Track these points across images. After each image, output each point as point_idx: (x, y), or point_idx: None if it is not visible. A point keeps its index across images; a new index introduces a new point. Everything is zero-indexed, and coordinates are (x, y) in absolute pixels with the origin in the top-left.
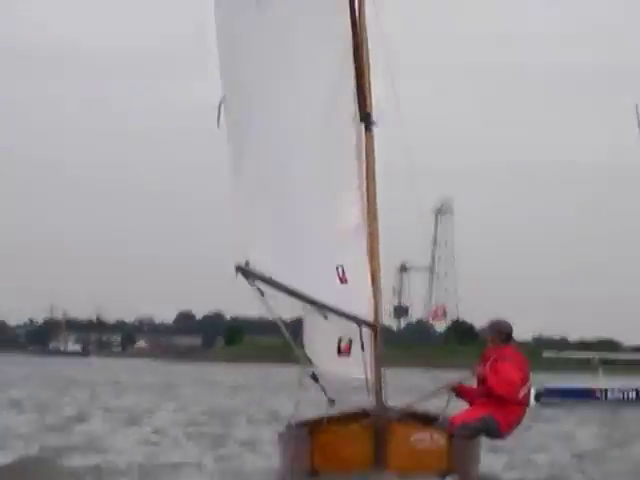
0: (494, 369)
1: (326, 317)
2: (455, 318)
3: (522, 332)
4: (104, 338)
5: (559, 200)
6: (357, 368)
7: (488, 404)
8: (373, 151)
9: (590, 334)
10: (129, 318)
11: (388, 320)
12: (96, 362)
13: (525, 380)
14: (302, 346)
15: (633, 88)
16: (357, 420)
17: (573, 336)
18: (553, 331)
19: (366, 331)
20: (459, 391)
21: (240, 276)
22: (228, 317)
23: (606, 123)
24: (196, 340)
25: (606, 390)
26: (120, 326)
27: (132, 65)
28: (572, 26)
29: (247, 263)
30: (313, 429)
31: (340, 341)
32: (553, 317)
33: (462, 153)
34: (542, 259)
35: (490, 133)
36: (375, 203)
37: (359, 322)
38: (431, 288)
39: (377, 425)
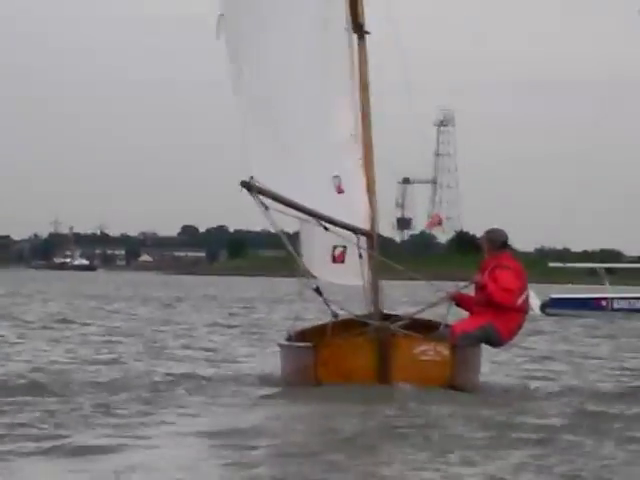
0: (492, 277)
1: (327, 229)
2: (458, 229)
3: (525, 243)
4: (108, 252)
5: (560, 106)
6: (351, 276)
7: (487, 312)
8: (366, 61)
9: (592, 245)
10: (133, 232)
11: (391, 232)
12: (104, 276)
13: (523, 287)
14: (301, 257)
15: None
16: (357, 329)
17: (575, 247)
18: (556, 242)
19: (363, 240)
20: (459, 300)
21: (245, 191)
22: (232, 230)
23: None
24: (200, 253)
25: (612, 299)
26: (124, 240)
27: None
28: None
29: (251, 178)
30: (316, 342)
31: (334, 249)
32: (555, 228)
33: (461, 70)
34: (544, 168)
35: (489, 48)
36: (369, 113)
37: (356, 231)
38: (434, 200)
39: (380, 337)
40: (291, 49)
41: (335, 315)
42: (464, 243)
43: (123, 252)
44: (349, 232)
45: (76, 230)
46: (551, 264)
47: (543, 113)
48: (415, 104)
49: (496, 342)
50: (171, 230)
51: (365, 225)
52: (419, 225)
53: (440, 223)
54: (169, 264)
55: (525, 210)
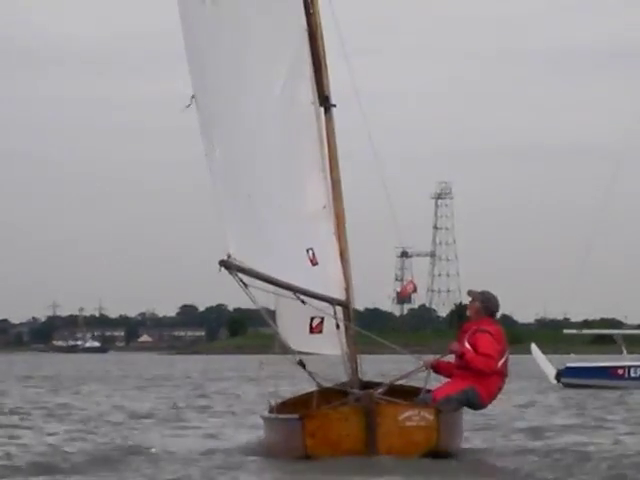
0: (472, 341)
1: (304, 302)
2: (458, 302)
3: (525, 314)
4: (107, 333)
5: (560, 179)
6: (329, 345)
7: (468, 376)
8: (334, 133)
9: (591, 314)
10: (132, 313)
11: (390, 306)
12: (114, 357)
13: (503, 351)
14: (277, 331)
15: None
16: (337, 398)
17: (575, 317)
18: (555, 313)
19: (340, 310)
20: (438, 367)
21: (223, 269)
22: (231, 309)
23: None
24: (199, 333)
25: (630, 367)
26: (123, 321)
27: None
28: None
29: (229, 255)
30: (303, 413)
31: (312, 320)
32: (555, 299)
33: (458, 138)
34: (543, 240)
35: (478, 118)
36: (339, 184)
37: (332, 302)
38: (433, 273)
39: (366, 406)
40: (260, 126)
41: (320, 386)
42: (464, 316)
43: (122, 333)
44: (325, 304)
45: (74, 313)
46: (566, 331)
47: (541, 181)
48: (413, 176)
49: (477, 405)
50: (170, 310)
51: (340, 295)
52: (419, 299)
53: (414, 290)
54: (169, 344)
55: (525, 282)
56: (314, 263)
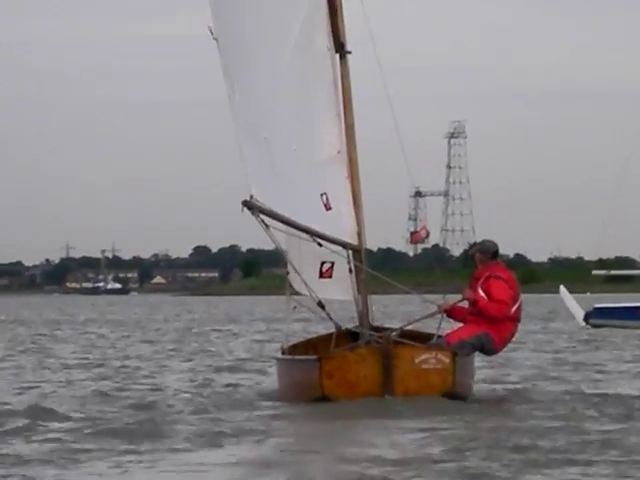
0: (485, 288)
1: (320, 245)
2: (472, 241)
3: (538, 253)
4: (120, 275)
5: (571, 116)
6: (339, 290)
7: (481, 321)
8: (349, 79)
9: (605, 253)
10: (145, 254)
11: (404, 246)
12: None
13: (516, 297)
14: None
15: None
16: (349, 341)
17: (589, 256)
18: (569, 252)
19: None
20: (451, 312)
21: (246, 210)
22: (244, 250)
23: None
24: (213, 274)
25: None
26: (136, 262)
27: None
28: None
29: (251, 197)
30: (321, 355)
31: (322, 265)
32: (569, 236)
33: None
34: (555, 175)
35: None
36: (353, 129)
37: (345, 246)
38: (447, 212)
39: (383, 348)
40: (277, 69)
41: (339, 327)
42: (470, 260)
43: (136, 275)
44: (339, 247)
45: (87, 254)
46: (594, 272)
47: (551, 122)
48: (427, 116)
49: (490, 351)
50: (183, 251)
51: (353, 240)
52: (432, 239)
53: (427, 235)
54: (182, 285)
55: (538, 221)
56: (328, 208)
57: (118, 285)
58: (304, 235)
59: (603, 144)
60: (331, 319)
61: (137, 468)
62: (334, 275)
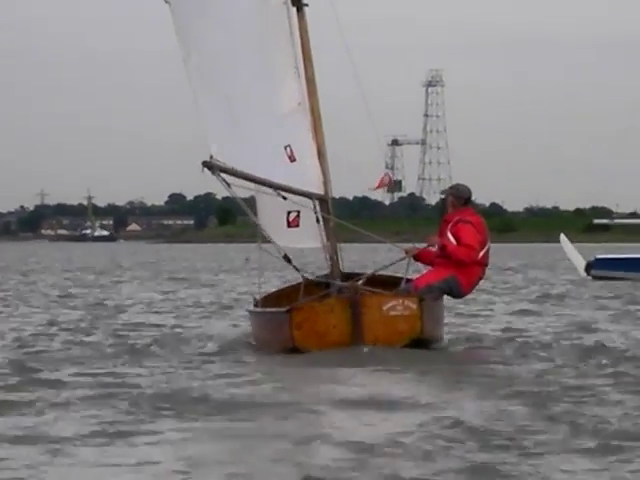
0: (455, 231)
1: (285, 198)
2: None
3: (515, 202)
4: (86, 223)
5: (547, 64)
6: (307, 238)
7: (449, 265)
8: (307, 31)
9: (583, 203)
10: (120, 202)
11: (381, 195)
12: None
13: (484, 242)
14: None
15: None
16: (320, 290)
17: (566, 205)
18: (546, 201)
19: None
20: (418, 256)
21: (206, 170)
22: (219, 198)
23: None
24: (188, 221)
25: None
26: (111, 209)
27: None
28: None
29: (211, 156)
30: (290, 306)
31: (288, 214)
32: (545, 186)
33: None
34: (532, 125)
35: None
36: (314, 81)
37: (312, 196)
38: (424, 161)
39: (351, 297)
40: (232, 27)
41: (305, 278)
42: (444, 207)
43: (111, 222)
44: (305, 198)
45: (62, 201)
46: (596, 221)
47: (529, 72)
48: (404, 66)
49: (457, 294)
50: (158, 199)
51: (319, 190)
52: (409, 187)
53: (390, 183)
54: (157, 233)
55: (514, 171)
56: (292, 159)
57: (105, 232)
58: (268, 189)
59: (580, 95)
60: (298, 270)
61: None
62: (302, 224)
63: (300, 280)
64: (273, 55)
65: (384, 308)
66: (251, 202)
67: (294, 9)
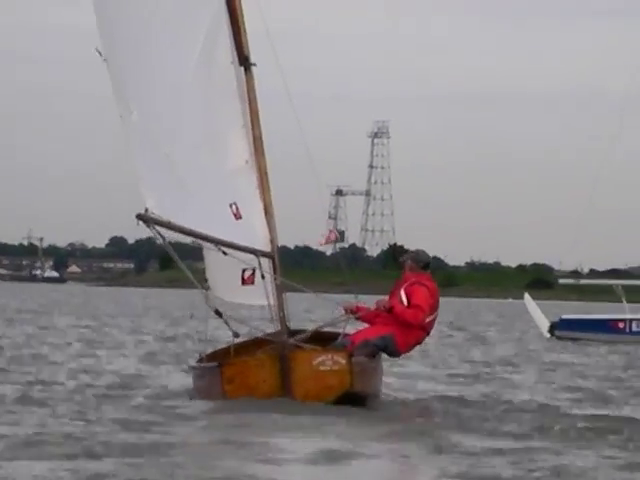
0: (410, 291)
1: (225, 253)
2: (392, 242)
3: (457, 257)
4: (36, 263)
5: (495, 119)
6: (261, 296)
7: (389, 323)
8: (254, 90)
9: (524, 259)
10: (61, 243)
11: (323, 245)
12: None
13: (434, 308)
14: (206, 281)
15: None
16: (262, 347)
17: (507, 261)
18: (488, 257)
19: (266, 261)
20: (359, 314)
21: (141, 223)
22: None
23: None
24: (129, 265)
25: (631, 321)
26: (52, 250)
27: None
28: None
29: (146, 210)
30: (222, 362)
31: (244, 272)
32: (487, 242)
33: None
34: (477, 181)
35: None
36: (261, 140)
37: (256, 253)
38: (367, 212)
39: (281, 352)
40: (179, 88)
41: (236, 335)
42: (397, 258)
43: (51, 263)
44: (250, 256)
45: (2, 240)
46: (562, 280)
47: (471, 125)
48: (350, 116)
49: (393, 352)
50: (99, 241)
51: (265, 247)
52: (352, 238)
53: (336, 240)
54: (98, 275)
55: (458, 225)
56: (238, 217)
57: (55, 273)
58: (210, 245)
59: (520, 147)
60: (229, 326)
61: None
62: (256, 281)
63: (251, 337)
64: (219, 115)
65: (314, 363)
66: (192, 248)
67: (241, 68)
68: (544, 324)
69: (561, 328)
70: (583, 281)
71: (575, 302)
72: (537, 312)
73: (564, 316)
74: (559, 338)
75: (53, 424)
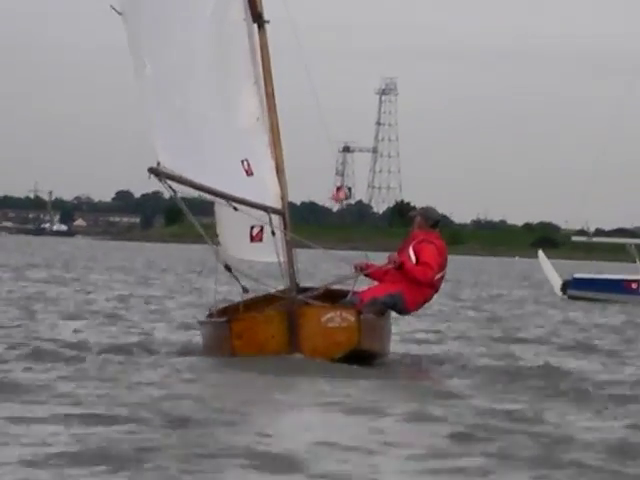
0: (418, 248)
1: (236, 209)
2: (399, 199)
3: (463, 215)
4: (42, 216)
5: (502, 77)
6: (270, 253)
7: (398, 281)
8: (267, 48)
9: (530, 218)
10: (67, 197)
11: (328, 201)
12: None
13: (443, 266)
14: (217, 236)
15: None
16: (272, 304)
17: (514, 220)
18: (494, 215)
19: (276, 218)
20: (367, 272)
21: (153, 177)
22: (168, 197)
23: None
24: (135, 219)
25: None
26: (58, 204)
27: None
28: None
29: (158, 163)
30: (230, 317)
31: (252, 229)
32: (493, 199)
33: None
34: (483, 139)
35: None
36: (273, 97)
37: (267, 210)
38: (374, 169)
39: (289, 309)
40: (191, 42)
41: (246, 290)
42: (405, 214)
43: (57, 217)
44: (261, 212)
45: (9, 194)
46: (574, 237)
47: (483, 82)
48: (357, 71)
49: (401, 310)
50: (106, 195)
51: (276, 204)
52: (359, 194)
53: (345, 197)
54: (103, 229)
55: (464, 182)
56: (249, 173)
57: (64, 227)
58: (221, 201)
59: (532, 106)
60: (239, 282)
61: None
62: (264, 238)
63: (259, 291)
64: (232, 71)
65: (322, 320)
66: (200, 202)
67: (254, 25)
68: (557, 282)
69: (574, 287)
70: (596, 239)
71: (581, 261)
72: (551, 270)
73: (577, 275)
74: (571, 297)
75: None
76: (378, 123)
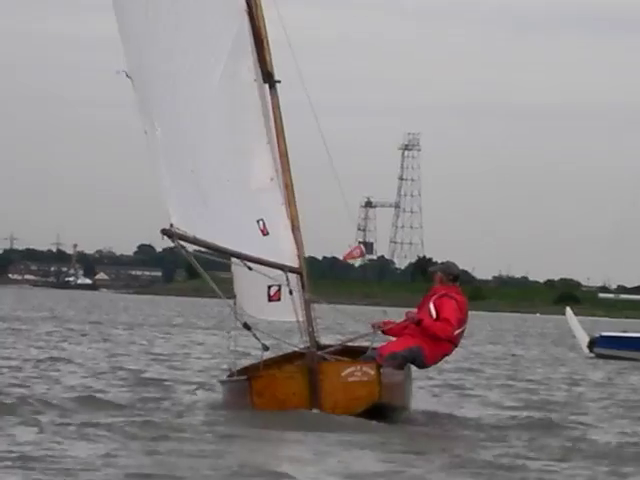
0: (439, 303)
1: (250, 268)
2: (421, 255)
3: (484, 271)
4: (64, 269)
5: (524, 132)
6: (288, 312)
7: (417, 335)
8: (279, 107)
9: (552, 275)
10: (89, 250)
11: (347, 260)
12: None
13: (463, 321)
14: (234, 297)
15: None
16: (292, 362)
17: (535, 276)
18: (516, 271)
19: (293, 277)
20: (387, 331)
21: (166, 238)
22: (190, 250)
23: None
24: (156, 273)
25: None
26: (80, 257)
27: None
28: None
29: (171, 225)
30: (251, 375)
31: (269, 289)
32: (515, 256)
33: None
34: (507, 200)
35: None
36: (287, 157)
37: (284, 269)
38: (396, 224)
39: (309, 365)
40: (202, 105)
41: (266, 347)
42: (426, 269)
43: (81, 270)
44: (278, 271)
45: (31, 246)
46: (601, 295)
47: (503, 136)
48: (383, 128)
49: (421, 364)
50: (127, 249)
51: (293, 263)
52: (381, 250)
53: (361, 255)
54: (125, 283)
55: (486, 239)
56: (265, 233)
57: (88, 280)
58: (237, 261)
59: (551, 160)
60: (258, 340)
61: None
62: (282, 298)
63: (288, 351)
64: (244, 132)
65: (342, 374)
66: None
67: (266, 85)
68: (584, 340)
69: (600, 345)
70: (623, 296)
71: (602, 318)
72: (577, 327)
73: (604, 333)
74: (599, 355)
75: None
76: (400, 178)
